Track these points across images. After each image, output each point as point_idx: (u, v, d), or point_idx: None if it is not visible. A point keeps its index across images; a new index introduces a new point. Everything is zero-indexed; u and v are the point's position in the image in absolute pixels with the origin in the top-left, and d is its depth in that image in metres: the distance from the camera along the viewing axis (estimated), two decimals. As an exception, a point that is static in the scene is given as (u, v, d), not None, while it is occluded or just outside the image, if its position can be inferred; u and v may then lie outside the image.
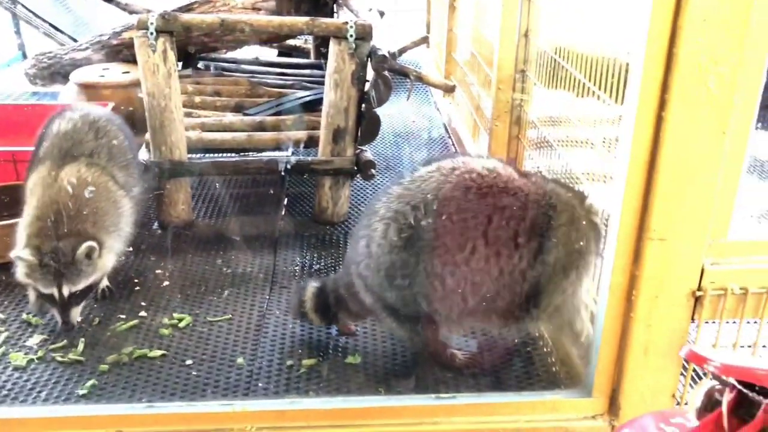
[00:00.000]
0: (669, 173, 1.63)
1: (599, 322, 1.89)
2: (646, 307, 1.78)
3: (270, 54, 5.11)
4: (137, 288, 2.88)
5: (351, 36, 3.03)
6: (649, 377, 1.86)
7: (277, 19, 3.13)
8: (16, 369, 2.39)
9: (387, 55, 3.08)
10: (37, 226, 2.48)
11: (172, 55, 3.05)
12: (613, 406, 1.97)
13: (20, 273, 2.48)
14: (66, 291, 2.44)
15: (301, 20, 3.09)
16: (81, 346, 2.49)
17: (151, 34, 2.99)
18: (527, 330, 2.44)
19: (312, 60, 4.69)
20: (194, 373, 2.38)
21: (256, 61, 4.49)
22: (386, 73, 3.13)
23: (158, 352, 2.47)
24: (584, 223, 2.13)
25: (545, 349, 2.49)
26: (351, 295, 2.39)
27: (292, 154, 3.92)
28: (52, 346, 2.50)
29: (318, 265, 3.10)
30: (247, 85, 4.03)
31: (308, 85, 4.08)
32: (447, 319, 2.27)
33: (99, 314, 2.69)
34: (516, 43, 3.18)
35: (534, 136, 3.05)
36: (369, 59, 3.11)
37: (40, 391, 2.26)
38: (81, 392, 2.27)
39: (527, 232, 2.12)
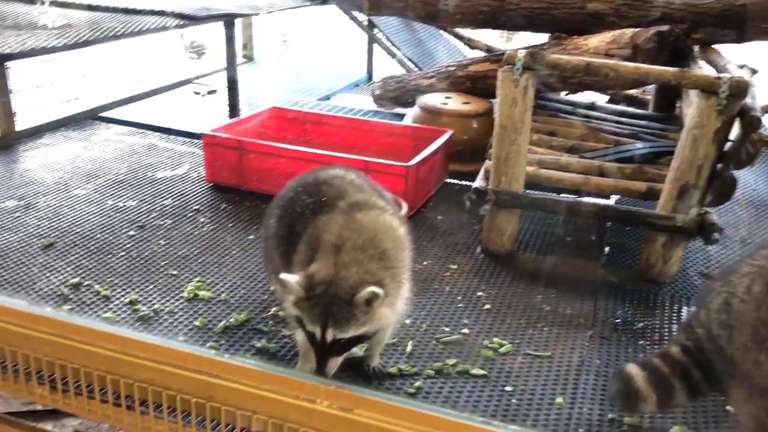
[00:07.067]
0: None
1: None
2: None
3: (602, 100, 5.07)
4: (460, 305, 3.01)
5: (723, 92, 2.85)
6: None
7: (644, 67, 3.06)
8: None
9: (760, 116, 2.85)
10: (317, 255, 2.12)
11: (531, 92, 3.15)
12: None
13: (288, 300, 2.12)
14: (330, 336, 2.03)
15: (669, 70, 2.99)
16: (409, 348, 2.68)
17: (517, 69, 3.11)
18: None
19: (650, 111, 4.53)
20: (514, 401, 2.42)
21: (593, 106, 4.46)
22: (755, 135, 2.89)
23: (480, 371, 2.55)
24: None
25: None
26: (695, 362, 2.23)
27: (616, 203, 3.82)
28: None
29: (640, 323, 2.96)
30: (583, 129, 4.02)
31: (645, 136, 3.95)
32: None
33: (426, 321, 2.87)
34: None
35: None
36: (739, 118, 2.91)
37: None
38: (409, 390, 2.44)
39: None
